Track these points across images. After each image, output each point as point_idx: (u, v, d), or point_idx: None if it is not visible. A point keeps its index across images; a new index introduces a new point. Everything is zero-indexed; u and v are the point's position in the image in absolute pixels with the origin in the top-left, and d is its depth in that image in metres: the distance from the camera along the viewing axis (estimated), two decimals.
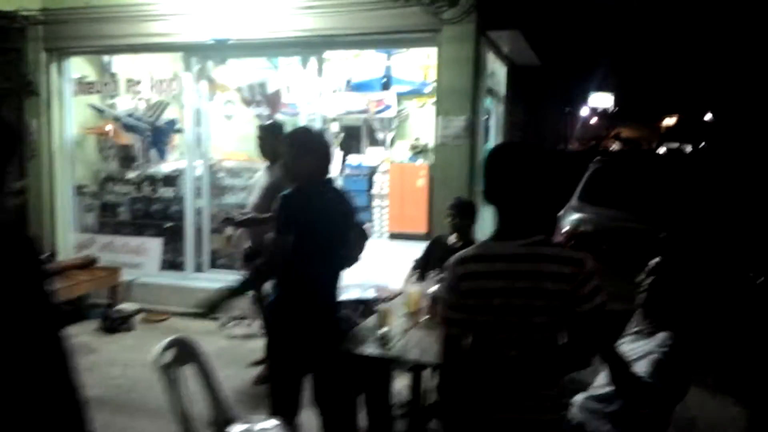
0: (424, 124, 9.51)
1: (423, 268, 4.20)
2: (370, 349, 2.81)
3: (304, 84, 5.90)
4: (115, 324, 5.55)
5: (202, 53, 6.09)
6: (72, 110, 6.60)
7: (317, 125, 5.80)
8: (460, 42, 5.08)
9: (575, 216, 5.44)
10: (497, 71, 6.86)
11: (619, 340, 2.42)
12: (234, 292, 3.12)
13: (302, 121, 5.93)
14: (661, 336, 2.29)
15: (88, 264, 6.24)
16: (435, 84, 5.54)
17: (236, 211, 4.37)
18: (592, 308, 1.78)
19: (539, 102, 7.17)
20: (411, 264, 4.42)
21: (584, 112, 30.14)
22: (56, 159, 6.53)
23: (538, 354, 1.82)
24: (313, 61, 5.81)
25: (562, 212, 5.64)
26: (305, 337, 2.89)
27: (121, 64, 6.91)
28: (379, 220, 9.85)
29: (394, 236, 9.65)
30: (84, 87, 6.58)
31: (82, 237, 6.75)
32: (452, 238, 4.21)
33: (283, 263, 2.86)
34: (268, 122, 4.55)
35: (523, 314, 1.81)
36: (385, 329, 2.88)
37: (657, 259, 2.43)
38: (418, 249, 4.49)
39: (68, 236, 6.73)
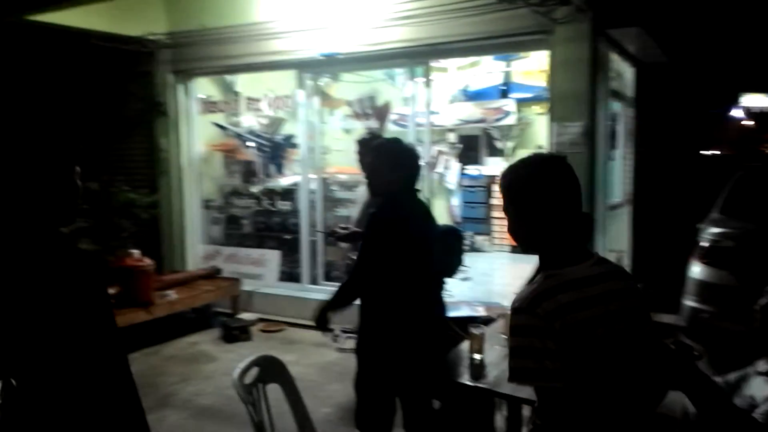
0: (546, 132, 9.05)
1: None
2: (461, 377, 2.61)
3: (413, 95, 5.79)
4: (235, 333, 5.75)
5: (313, 69, 6.20)
6: (197, 129, 6.99)
7: (425, 137, 5.67)
8: (574, 42, 4.72)
9: (715, 230, 4.84)
10: (623, 72, 6.33)
11: (742, 372, 2.01)
12: (331, 305, 3.03)
13: (411, 134, 5.82)
14: None
15: (212, 274, 6.57)
16: (549, 89, 5.20)
17: (340, 225, 4.34)
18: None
19: (675, 104, 6.51)
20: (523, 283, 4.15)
21: (736, 113, 27.42)
22: (185, 175, 6.95)
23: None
24: (419, 71, 5.70)
25: (702, 224, 5.04)
26: (393, 358, 2.75)
27: (243, 83, 7.23)
28: (499, 233, 9.51)
29: (515, 249, 9.26)
30: (208, 106, 6.96)
31: (208, 248, 7.12)
32: None
33: (368, 282, 2.75)
34: (366, 135, 4.48)
35: (628, 341, 1.55)
36: (476, 355, 2.66)
37: None
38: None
39: (196, 248, 7.12)
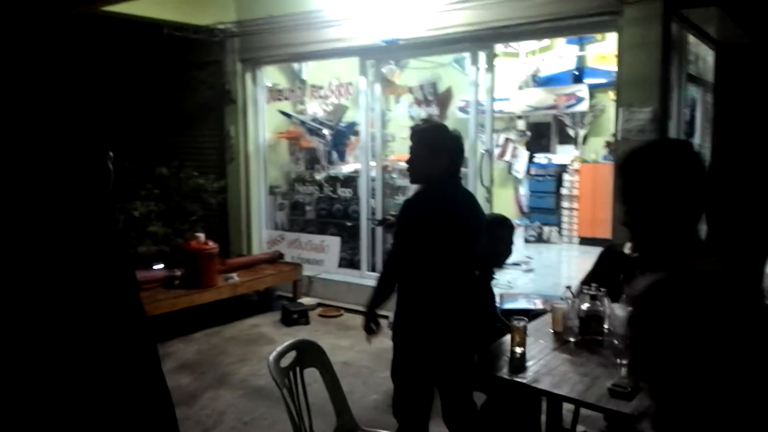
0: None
1: (591, 281, 3.74)
2: (499, 371, 2.52)
3: (476, 81, 5.66)
4: (294, 317, 5.86)
5: (375, 56, 6.17)
6: (264, 116, 7.13)
7: (486, 123, 5.53)
8: (644, 24, 4.45)
9: None
10: (702, 55, 5.93)
11: None
12: (372, 304, 2.98)
13: (472, 121, 5.70)
14: None
15: (275, 259, 6.72)
16: (616, 73, 4.94)
17: (391, 213, 4.31)
18: None
19: (759, 89, 6.04)
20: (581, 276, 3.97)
21: None
22: (251, 162, 7.11)
23: None
24: (482, 56, 5.55)
25: None
26: (427, 347, 2.70)
27: (309, 71, 7.31)
28: (568, 224, 9.20)
29: (584, 241, 8.96)
30: (275, 94, 7.08)
31: (272, 234, 7.27)
32: (628, 247, 3.69)
33: (401, 271, 2.71)
34: (420, 123, 4.40)
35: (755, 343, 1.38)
36: (518, 349, 2.57)
37: None
38: None
39: (261, 233, 7.29)
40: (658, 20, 4.43)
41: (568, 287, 4.36)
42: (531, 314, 4.25)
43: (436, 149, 2.71)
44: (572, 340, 2.78)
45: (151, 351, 1.74)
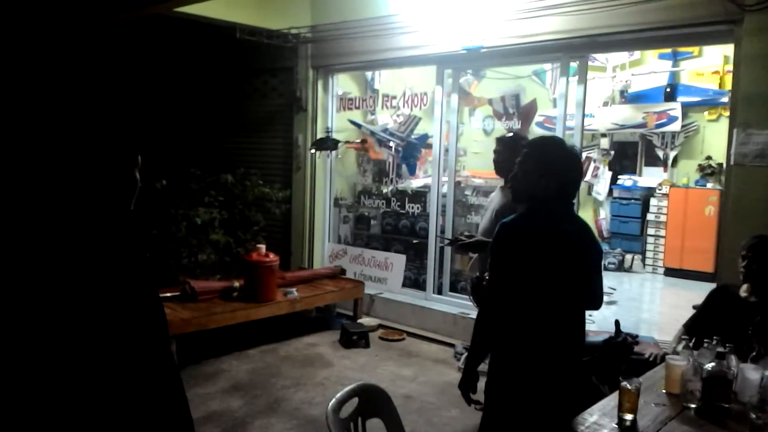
0: (717, 140, 7.95)
1: (700, 327, 3.21)
2: None
3: (564, 93, 5.17)
4: (353, 339, 5.51)
5: (454, 64, 5.79)
6: (335, 125, 6.86)
7: (576, 141, 5.03)
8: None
9: None
10: None
11: None
12: (470, 364, 2.53)
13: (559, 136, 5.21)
14: None
15: (337, 274, 6.40)
16: (731, 88, 4.37)
17: (465, 232, 3.90)
18: None
19: None
20: (688, 318, 3.44)
21: None
22: (318, 172, 6.84)
23: None
24: (574, 66, 5.07)
25: None
26: (525, 408, 2.26)
27: (382, 79, 7.00)
28: (653, 253, 8.49)
29: (670, 272, 8.24)
30: (346, 102, 6.80)
31: (336, 247, 6.98)
32: (744, 289, 3.16)
33: (492, 310, 2.28)
34: (509, 134, 3.98)
35: None
36: (627, 416, 2.10)
37: None
38: (701, 291, 3.50)
39: (324, 246, 7.01)
40: None
41: (617, 322, 3.85)
42: (625, 359, 3.77)
43: (548, 167, 2.28)
44: (693, 406, 2.28)
45: (169, 377, 1.60)
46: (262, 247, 5.40)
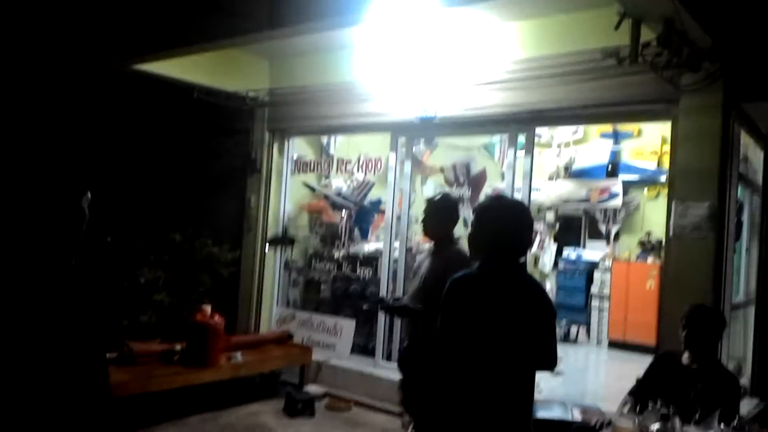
0: (656, 217, 8.29)
1: (644, 392, 3.24)
2: None
3: (512, 164, 5.35)
4: (298, 407, 5.32)
5: (408, 132, 5.94)
6: (289, 188, 6.87)
7: None
8: (702, 114, 4.16)
9: None
10: (751, 154, 5.62)
11: None
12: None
13: None
14: None
15: (284, 339, 6.24)
16: (669, 164, 4.62)
17: (394, 297, 3.87)
18: None
19: None
20: (632, 382, 3.47)
21: None
22: (270, 234, 6.77)
23: None
24: (522, 141, 5.28)
25: None
26: None
27: (337, 144, 7.11)
28: (597, 324, 8.64)
29: (613, 344, 8.38)
30: (301, 165, 6.85)
31: (284, 311, 6.83)
32: (686, 357, 3.24)
33: (441, 370, 2.26)
34: (437, 195, 3.98)
35: None
36: None
37: None
38: (643, 364, 3.56)
39: (272, 309, 6.85)
40: (718, 111, 4.14)
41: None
42: (573, 428, 3.75)
43: (499, 219, 2.35)
44: None
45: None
46: (208, 307, 5.24)
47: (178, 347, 5.11)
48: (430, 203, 3.72)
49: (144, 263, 5.78)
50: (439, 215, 3.63)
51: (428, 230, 3.69)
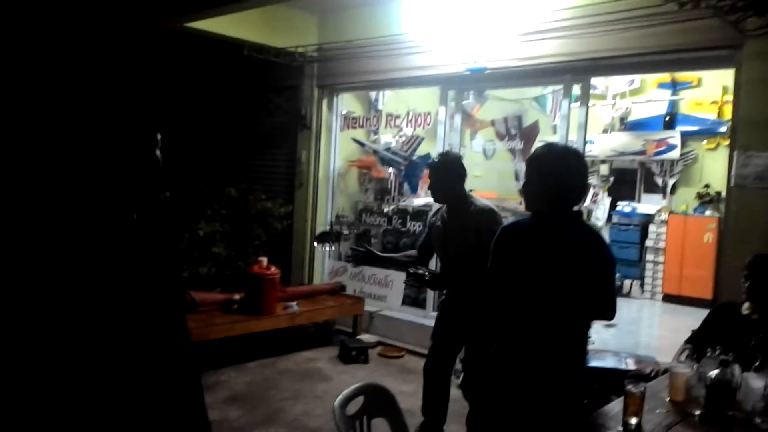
0: (715, 169, 8.04)
1: (702, 342, 3.22)
2: None
3: (566, 117, 5.25)
4: (353, 354, 5.49)
5: (457, 86, 5.87)
6: (338, 144, 6.93)
7: None
8: None
9: None
10: None
11: None
12: None
13: None
14: None
15: (336, 290, 6.40)
16: (732, 113, 4.45)
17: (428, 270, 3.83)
18: None
19: None
20: (688, 335, 3.46)
21: None
22: (320, 189, 6.89)
23: None
24: (576, 89, 5.16)
25: None
26: (521, 412, 2.27)
27: (386, 99, 7.09)
28: (652, 279, 8.52)
29: (668, 298, 8.26)
30: (350, 121, 6.88)
31: (336, 264, 6.98)
32: (746, 307, 3.18)
33: (493, 316, 2.31)
34: (436, 158, 3.72)
35: None
36: (632, 420, 2.11)
37: None
38: (699, 317, 3.52)
39: (325, 262, 7.01)
40: None
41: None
42: (627, 376, 3.77)
43: (543, 169, 2.35)
44: (696, 413, 2.29)
45: (189, 375, 1.65)
46: (264, 260, 5.42)
47: (236, 297, 5.32)
48: (434, 167, 3.56)
49: (202, 217, 5.98)
50: (447, 176, 3.47)
51: (439, 195, 3.54)
